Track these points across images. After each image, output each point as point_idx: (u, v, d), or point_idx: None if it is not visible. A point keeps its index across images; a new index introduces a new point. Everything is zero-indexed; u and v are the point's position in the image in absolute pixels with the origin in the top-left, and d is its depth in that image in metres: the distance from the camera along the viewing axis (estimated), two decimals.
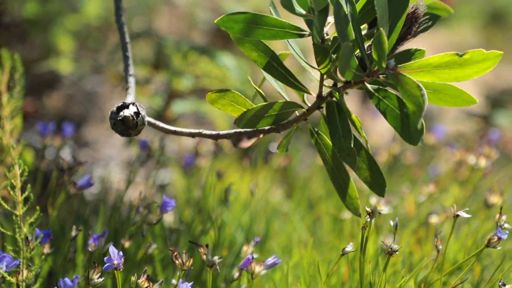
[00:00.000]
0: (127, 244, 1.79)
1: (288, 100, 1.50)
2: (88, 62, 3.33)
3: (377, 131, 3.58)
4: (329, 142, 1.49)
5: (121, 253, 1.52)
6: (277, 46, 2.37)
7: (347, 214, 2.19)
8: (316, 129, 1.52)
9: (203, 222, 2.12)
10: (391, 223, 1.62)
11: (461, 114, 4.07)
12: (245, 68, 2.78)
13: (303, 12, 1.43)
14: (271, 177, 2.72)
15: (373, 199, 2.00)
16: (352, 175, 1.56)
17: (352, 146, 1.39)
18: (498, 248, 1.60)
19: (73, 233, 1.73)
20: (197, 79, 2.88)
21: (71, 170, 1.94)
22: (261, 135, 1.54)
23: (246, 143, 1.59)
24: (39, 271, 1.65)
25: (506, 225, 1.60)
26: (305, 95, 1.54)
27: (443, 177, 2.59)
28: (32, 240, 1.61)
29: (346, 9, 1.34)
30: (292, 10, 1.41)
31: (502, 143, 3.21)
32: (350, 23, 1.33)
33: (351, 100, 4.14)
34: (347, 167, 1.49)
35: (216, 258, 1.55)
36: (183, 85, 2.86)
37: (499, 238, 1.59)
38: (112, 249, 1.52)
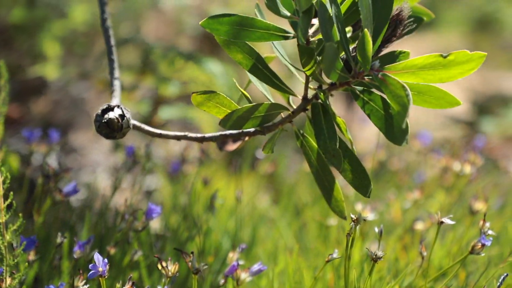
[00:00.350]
0: (112, 251, 1.78)
1: (273, 102, 1.50)
2: (74, 68, 3.31)
3: (363, 137, 3.58)
4: (315, 144, 1.49)
5: (106, 260, 1.51)
6: (264, 50, 2.37)
7: (333, 220, 2.19)
8: (301, 131, 1.52)
9: (189, 228, 2.11)
10: (376, 229, 1.62)
11: (447, 120, 4.09)
12: (231, 73, 2.78)
13: (288, 14, 1.43)
14: (258, 183, 2.71)
15: (359, 205, 1.99)
16: (338, 179, 1.55)
17: (337, 147, 1.39)
18: (482, 254, 1.60)
19: (58, 240, 1.72)
20: (184, 85, 2.87)
21: (56, 176, 1.92)
22: (247, 138, 1.53)
23: (231, 146, 1.59)
24: (23, 278, 1.64)
25: (490, 232, 1.60)
26: (291, 97, 1.54)
27: (429, 183, 2.59)
28: (17, 247, 1.59)
29: (331, 10, 1.33)
30: (277, 12, 1.40)
31: (487, 149, 3.22)
32: (335, 25, 1.33)
33: (337, 106, 4.15)
34: (333, 170, 1.48)
35: (201, 265, 1.54)
36: (170, 91, 2.85)
37: (483, 245, 1.59)
38: (97, 256, 1.52)
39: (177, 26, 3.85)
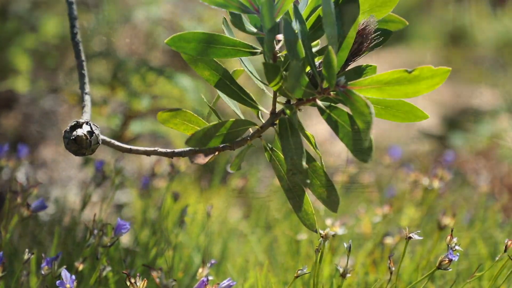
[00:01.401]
0: (81, 266, 1.76)
1: (242, 117, 1.50)
2: (46, 81, 3.29)
3: (335, 151, 3.59)
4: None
5: (73, 276, 1.50)
6: (235, 63, 2.36)
7: (303, 235, 2.19)
8: (270, 146, 1.52)
9: (159, 243, 2.10)
10: (345, 245, 1.62)
11: (418, 134, 4.11)
12: (203, 88, 2.78)
13: (254, 30, 1.43)
14: (229, 198, 2.70)
15: (329, 220, 2.00)
16: (308, 193, 1.55)
17: (304, 163, 1.39)
18: (450, 269, 1.60)
19: (26, 256, 1.70)
20: (155, 100, 2.86)
21: (25, 192, 1.90)
22: (217, 152, 1.53)
23: (203, 160, 1.58)
24: None
25: (457, 247, 1.60)
26: (260, 112, 1.54)
27: (399, 197, 2.61)
28: None
29: (296, 26, 1.34)
30: (242, 28, 1.41)
31: (457, 164, 3.24)
32: (300, 41, 1.33)
33: (313, 116, 4.15)
34: None
35: (169, 281, 1.54)
36: (142, 105, 2.84)
37: (450, 260, 1.59)
38: (65, 273, 1.51)
39: (150, 40, 3.84)
